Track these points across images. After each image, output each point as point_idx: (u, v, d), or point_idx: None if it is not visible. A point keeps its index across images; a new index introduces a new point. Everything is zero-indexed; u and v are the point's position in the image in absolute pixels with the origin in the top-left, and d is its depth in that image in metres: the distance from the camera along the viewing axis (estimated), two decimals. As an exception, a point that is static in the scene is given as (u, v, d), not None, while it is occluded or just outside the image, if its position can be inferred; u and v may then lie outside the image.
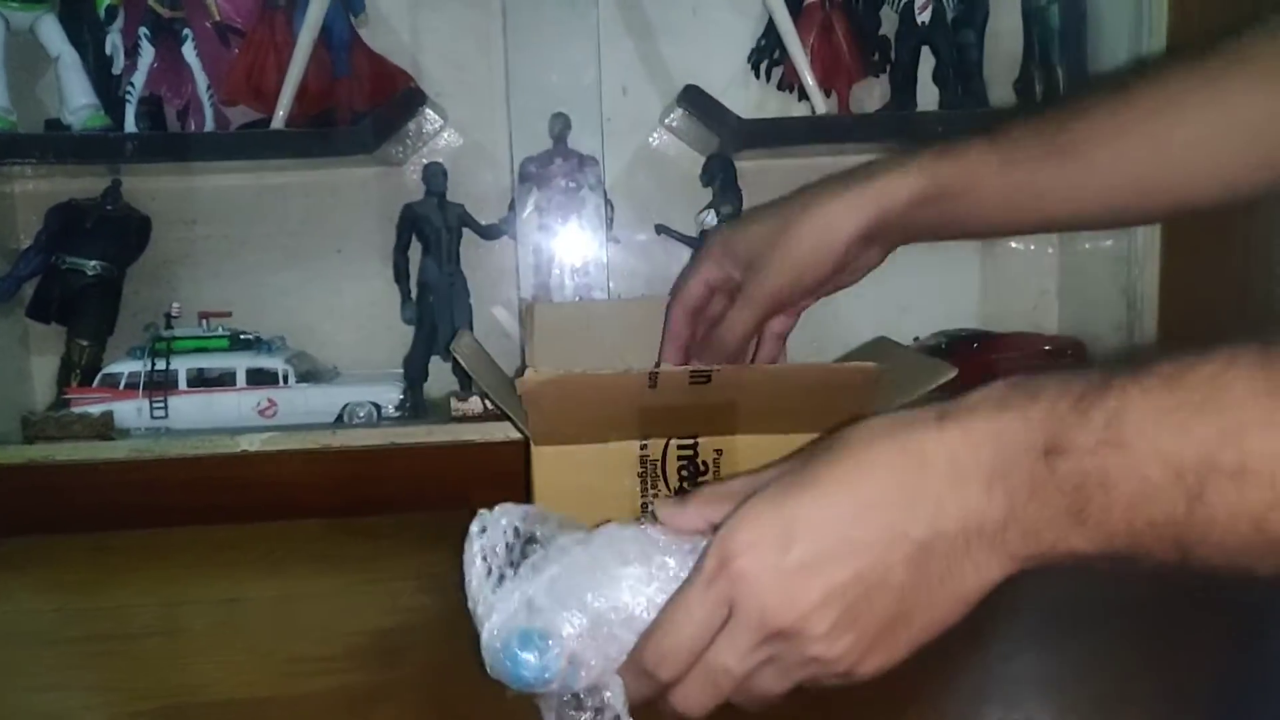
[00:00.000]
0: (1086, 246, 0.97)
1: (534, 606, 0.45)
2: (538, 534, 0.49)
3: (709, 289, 0.63)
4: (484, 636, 0.45)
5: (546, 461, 0.59)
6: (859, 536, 0.39)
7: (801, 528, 0.39)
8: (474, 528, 0.48)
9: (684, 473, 0.60)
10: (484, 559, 0.47)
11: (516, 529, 0.48)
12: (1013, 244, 1.01)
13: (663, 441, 0.60)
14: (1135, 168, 0.56)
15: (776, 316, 0.63)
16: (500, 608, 0.45)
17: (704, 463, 0.60)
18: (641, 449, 0.60)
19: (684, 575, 0.45)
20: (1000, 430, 0.38)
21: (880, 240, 0.60)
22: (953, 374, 0.62)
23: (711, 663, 0.41)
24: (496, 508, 0.49)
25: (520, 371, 0.70)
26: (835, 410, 0.57)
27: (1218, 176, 0.56)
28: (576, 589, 0.44)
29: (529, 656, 0.43)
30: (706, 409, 0.58)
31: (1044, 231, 0.68)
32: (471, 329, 0.92)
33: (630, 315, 0.75)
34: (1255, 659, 0.52)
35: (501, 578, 0.47)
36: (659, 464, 0.60)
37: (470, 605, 0.47)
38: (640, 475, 0.60)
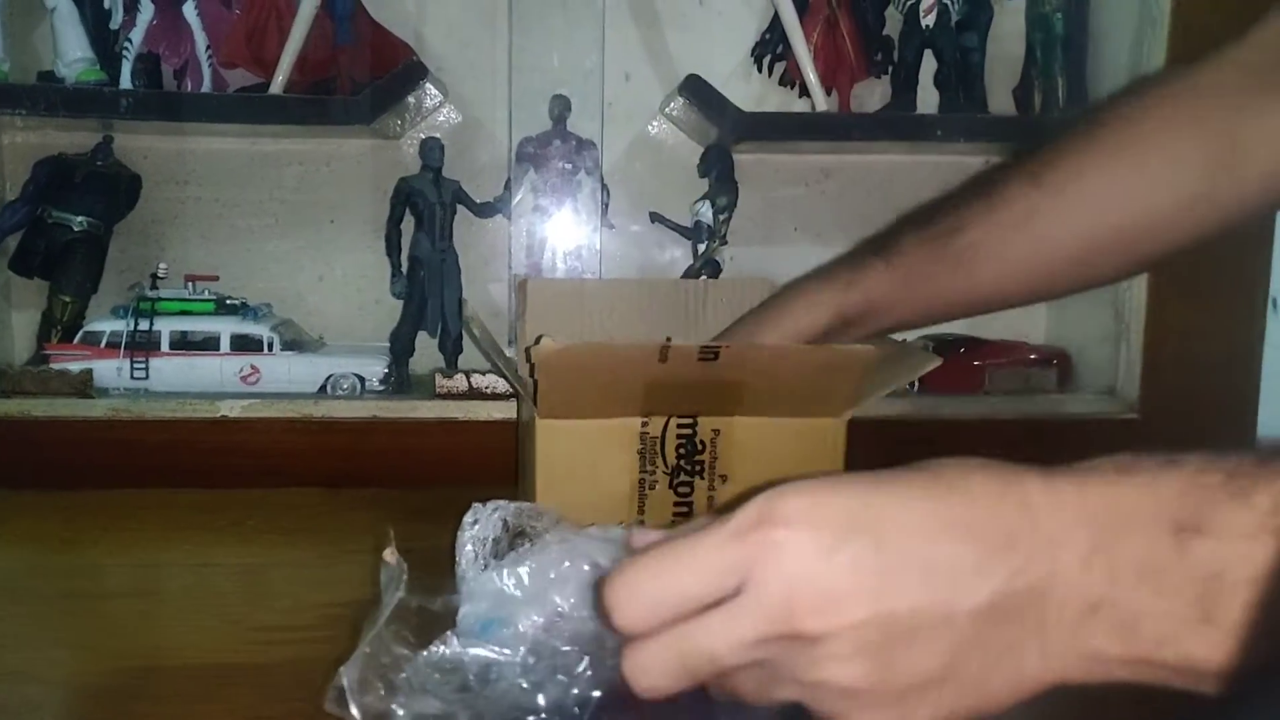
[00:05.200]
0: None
1: (504, 597, 0.46)
2: (528, 529, 0.50)
3: None
4: (458, 618, 0.47)
5: (550, 435, 0.60)
6: (934, 559, 0.31)
7: (870, 523, 0.32)
8: (467, 519, 0.50)
9: (681, 450, 0.61)
10: (472, 547, 0.49)
11: (506, 523, 0.50)
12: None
13: (663, 419, 0.61)
14: (1019, 273, 0.59)
15: None
16: (477, 594, 0.47)
17: (701, 441, 0.62)
18: (643, 426, 0.61)
19: None
20: (1118, 495, 0.31)
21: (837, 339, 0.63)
22: (936, 363, 0.64)
23: (693, 640, 0.32)
24: (490, 503, 0.51)
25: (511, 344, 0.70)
26: (829, 395, 0.61)
27: (1095, 268, 0.59)
28: (545, 588, 0.46)
29: (491, 644, 0.44)
30: (710, 387, 0.59)
31: (966, 317, 0.73)
32: (461, 306, 0.92)
33: (624, 294, 0.76)
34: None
35: (485, 567, 0.48)
36: (659, 441, 0.61)
37: (457, 588, 0.48)
38: (640, 452, 0.61)
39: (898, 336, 0.89)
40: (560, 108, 0.89)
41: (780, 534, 0.31)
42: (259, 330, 0.88)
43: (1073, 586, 0.31)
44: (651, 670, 0.33)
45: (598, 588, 0.34)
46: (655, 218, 0.95)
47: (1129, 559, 0.31)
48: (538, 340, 0.55)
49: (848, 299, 0.61)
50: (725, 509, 0.34)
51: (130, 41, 0.85)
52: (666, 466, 0.61)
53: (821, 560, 0.31)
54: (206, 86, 0.87)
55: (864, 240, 0.64)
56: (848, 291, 0.61)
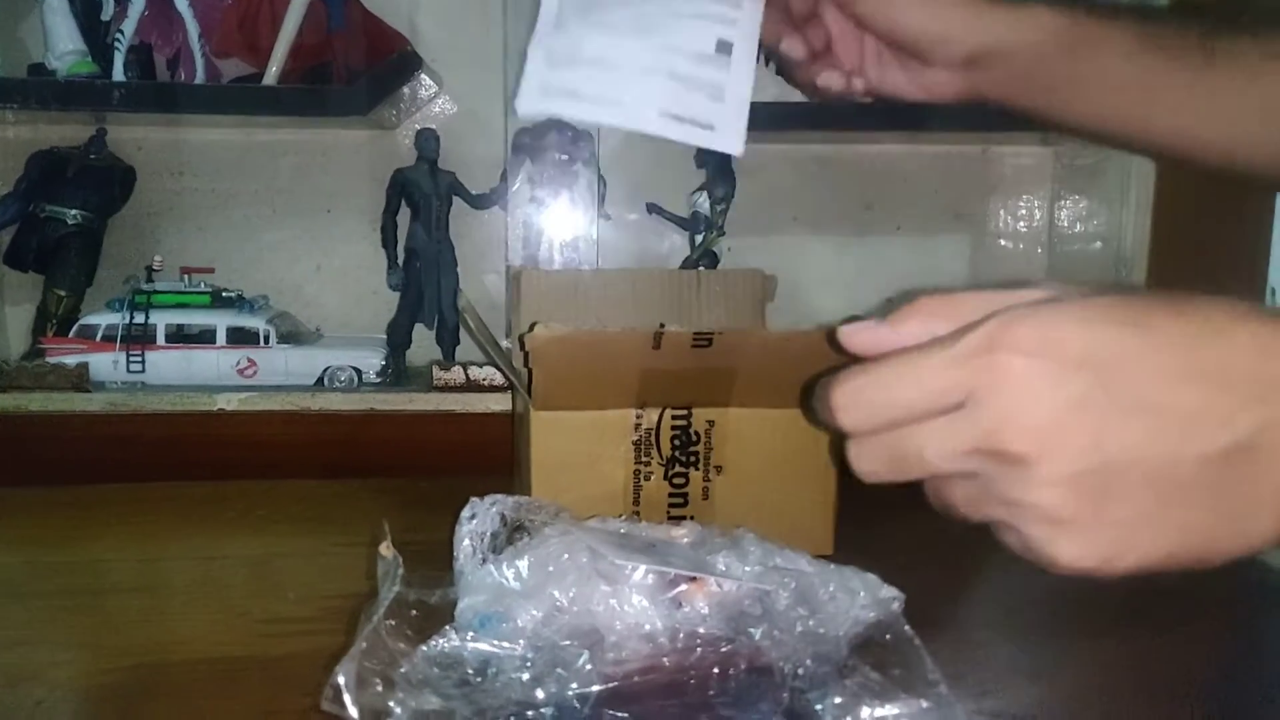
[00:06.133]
0: (1075, 247, 0.98)
1: (504, 591, 0.46)
2: (526, 523, 0.51)
3: None
4: (457, 613, 0.47)
5: (545, 427, 0.60)
6: (1170, 405, 0.31)
7: (1107, 361, 0.31)
8: (465, 513, 0.50)
9: (676, 442, 0.61)
10: (470, 541, 0.49)
11: (504, 517, 0.50)
12: (1001, 241, 1.02)
13: (658, 411, 0.61)
14: (1269, 104, 0.50)
15: (835, 17, 0.57)
16: (476, 588, 0.47)
17: (696, 433, 0.61)
18: (637, 417, 0.61)
19: (649, 581, 0.47)
20: None
21: (978, 75, 0.54)
22: None
23: (908, 441, 0.34)
24: (488, 497, 0.51)
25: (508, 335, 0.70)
26: None
27: None
28: (544, 582, 0.46)
29: (490, 638, 0.45)
30: (704, 375, 0.59)
31: (1146, 146, 0.59)
32: (456, 297, 0.91)
33: (618, 286, 0.75)
34: (1231, 656, 0.53)
35: (484, 561, 0.49)
36: (653, 432, 0.61)
37: (455, 582, 0.49)
38: (635, 443, 0.61)
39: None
40: (556, 98, 0.88)
41: (1008, 360, 0.31)
42: (255, 323, 0.88)
43: None
44: (869, 460, 0.35)
45: (823, 387, 0.36)
46: (652, 209, 0.94)
47: None
48: (531, 328, 0.55)
49: (1079, 21, 0.52)
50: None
51: (122, 32, 0.85)
52: (661, 458, 0.61)
53: (1046, 390, 0.31)
54: (200, 77, 0.87)
55: None
56: (1080, 16, 0.52)
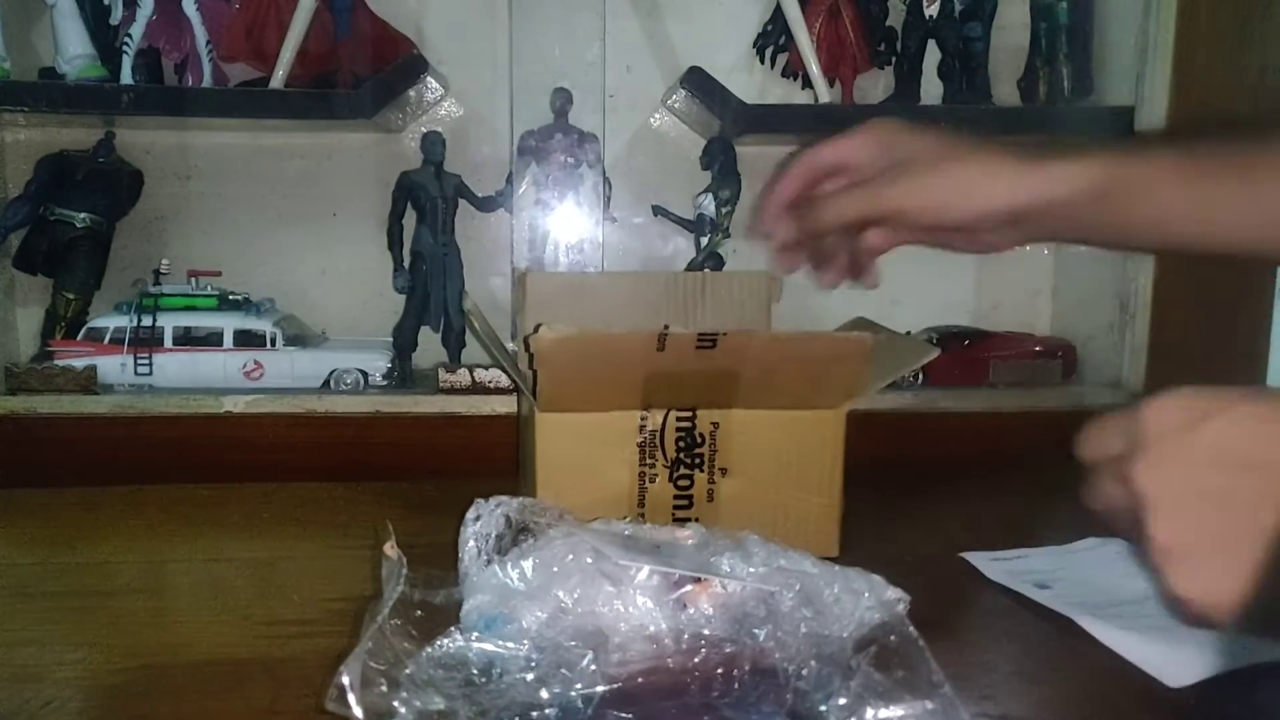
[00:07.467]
0: (1081, 251, 0.98)
1: (509, 592, 0.47)
2: (531, 525, 0.51)
3: (840, 163, 0.60)
4: (462, 613, 0.47)
5: (550, 429, 0.60)
6: None
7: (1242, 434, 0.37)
8: (470, 514, 0.50)
9: (681, 444, 0.61)
10: (475, 543, 0.49)
11: (509, 518, 0.50)
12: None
13: (662, 412, 0.61)
14: None
15: (877, 230, 0.60)
16: (481, 588, 0.47)
17: (701, 434, 0.62)
18: (642, 419, 0.61)
19: (654, 582, 0.47)
20: None
21: (1025, 227, 0.57)
22: (935, 354, 0.65)
23: (1103, 476, 0.42)
24: (492, 499, 0.51)
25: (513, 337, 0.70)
26: (828, 384, 0.61)
27: None
28: (548, 583, 0.46)
29: (495, 639, 0.45)
30: (708, 377, 0.59)
31: (1212, 254, 0.60)
32: (462, 299, 0.92)
33: (623, 288, 0.76)
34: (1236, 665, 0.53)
35: (489, 562, 0.49)
36: (658, 434, 0.61)
37: (460, 583, 0.49)
38: (640, 445, 0.61)
39: (899, 328, 0.88)
40: (562, 100, 0.89)
41: (1147, 413, 0.39)
42: (262, 325, 0.88)
43: None
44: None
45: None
46: (658, 211, 0.95)
47: None
48: (537, 329, 0.55)
49: (1119, 165, 0.53)
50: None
51: (130, 37, 0.85)
52: (666, 460, 0.61)
53: (1172, 444, 0.38)
54: (207, 81, 0.87)
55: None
56: (1120, 158, 0.53)
